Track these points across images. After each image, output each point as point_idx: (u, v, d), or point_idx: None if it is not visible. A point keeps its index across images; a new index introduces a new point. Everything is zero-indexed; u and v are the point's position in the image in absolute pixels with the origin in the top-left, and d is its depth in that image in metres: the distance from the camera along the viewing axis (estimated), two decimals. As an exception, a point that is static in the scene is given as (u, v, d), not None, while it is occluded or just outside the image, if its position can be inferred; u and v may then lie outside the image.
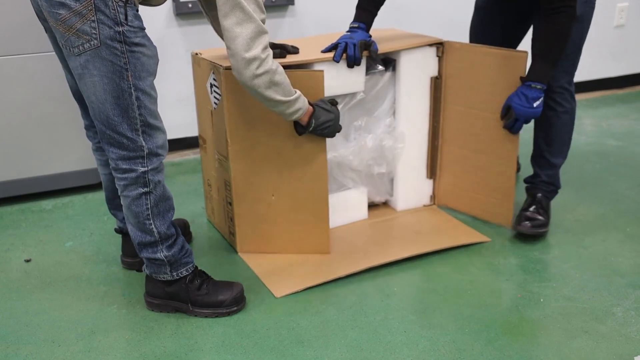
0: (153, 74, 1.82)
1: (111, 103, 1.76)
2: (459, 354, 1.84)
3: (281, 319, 2.00)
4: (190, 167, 3.21)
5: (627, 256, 2.33)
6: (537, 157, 2.51)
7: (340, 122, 2.15)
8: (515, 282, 2.19)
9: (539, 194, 2.50)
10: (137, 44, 1.73)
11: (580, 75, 4.06)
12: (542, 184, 2.51)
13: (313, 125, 2.05)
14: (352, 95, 2.37)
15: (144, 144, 1.82)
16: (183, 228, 2.45)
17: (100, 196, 2.81)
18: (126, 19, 1.70)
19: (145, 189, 1.87)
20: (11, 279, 2.22)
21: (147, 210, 1.89)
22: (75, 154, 2.77)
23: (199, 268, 2.07)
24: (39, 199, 2.78)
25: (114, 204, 2.21)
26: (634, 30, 4.11)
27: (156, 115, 1.85)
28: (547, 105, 2.39)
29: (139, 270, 2.22)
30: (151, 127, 1.83)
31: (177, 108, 3.26)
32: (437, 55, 2.48)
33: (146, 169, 1.85)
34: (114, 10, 1.68)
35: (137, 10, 1.76)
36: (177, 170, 3.18)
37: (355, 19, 2.35)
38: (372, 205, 2.62)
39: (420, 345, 1.88)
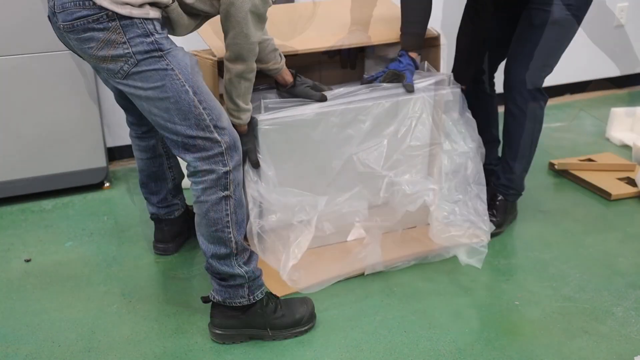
0: (197, 72, 1.75)
1: (173, 109, 1.70)
2: (459, 354, 1.84)
3: (281, 319, 2.00)
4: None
5: (627, 256, 2.33)
6: (502, 160, 2.52)
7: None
8: (515, 282, 2.19)
9: (499, 196, 2.50)
10: (170, 48, 1.70)
11: (580, 75, 4.07)
12: (500, 187, 2.51)
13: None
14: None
15: (219, 138, 1.73)
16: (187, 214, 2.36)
17: (100, 196, 2.81)
18: (155, 28, 1.67)
19: (226, 192, 1.75)
20: (11, 279, 2.22)
21: (227, 216, 1.77)
22: (76, 153, 2.76)
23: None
24: (39, 199, 2.78)
25: (147, 188, 2.25)
26: (634, 30, 4.10)
27: (221, 109, 1.78)
28: (508, 110, 2.41)
29: (169, 253, 2.25)
30: (222, 119, 1.75)
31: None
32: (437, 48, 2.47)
33: (228, 168, 1.75)
34: (142, 23, 1.64)
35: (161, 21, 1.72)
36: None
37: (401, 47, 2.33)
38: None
39: (420, 345, 1.88)
